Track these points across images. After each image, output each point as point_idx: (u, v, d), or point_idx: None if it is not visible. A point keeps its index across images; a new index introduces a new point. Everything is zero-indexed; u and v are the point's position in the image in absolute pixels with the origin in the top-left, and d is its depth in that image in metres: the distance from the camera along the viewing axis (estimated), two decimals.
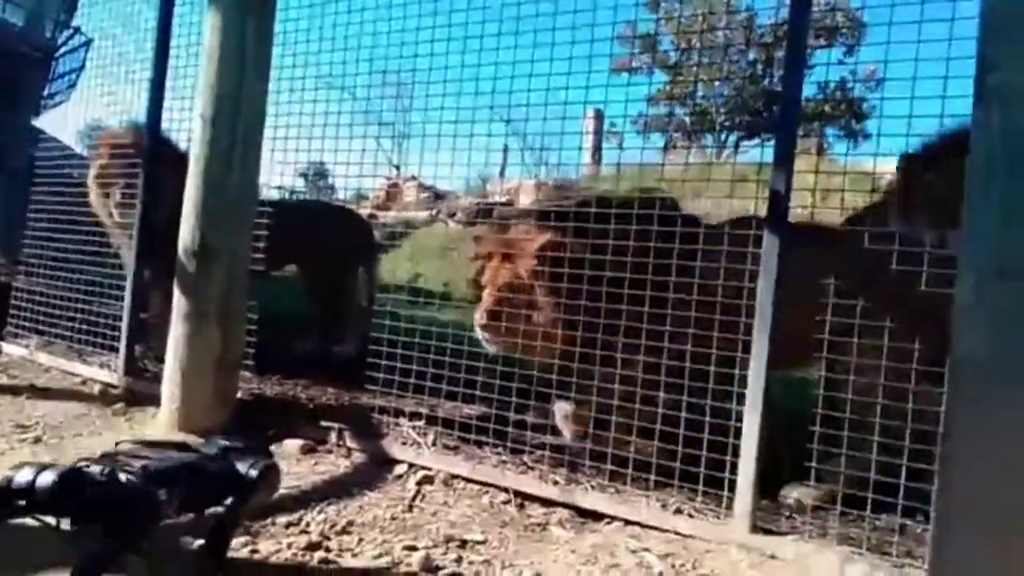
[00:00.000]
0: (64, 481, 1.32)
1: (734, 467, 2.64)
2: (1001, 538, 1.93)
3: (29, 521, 1.32)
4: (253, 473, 1.51)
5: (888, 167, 3.43)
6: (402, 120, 5.62)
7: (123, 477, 1.32)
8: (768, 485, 2.74)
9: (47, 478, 1.33)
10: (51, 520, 1.37)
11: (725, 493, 2.66)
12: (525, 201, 12.14)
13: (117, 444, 1.50)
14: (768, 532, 2.61)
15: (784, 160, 2.63)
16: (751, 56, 11.70)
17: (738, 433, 2.64)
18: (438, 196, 13.01)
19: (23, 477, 1.35)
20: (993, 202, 1.86)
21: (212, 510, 1.49)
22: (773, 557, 2.50)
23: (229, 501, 1.49)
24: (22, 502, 1.33)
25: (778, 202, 2.63)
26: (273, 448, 3.26)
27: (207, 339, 3.38)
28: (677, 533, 2.65)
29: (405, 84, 4.05)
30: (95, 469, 1.35)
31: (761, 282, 2.62)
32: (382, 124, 5.27)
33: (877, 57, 2.67)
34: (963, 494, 2.00)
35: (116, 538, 1.29)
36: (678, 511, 2.74)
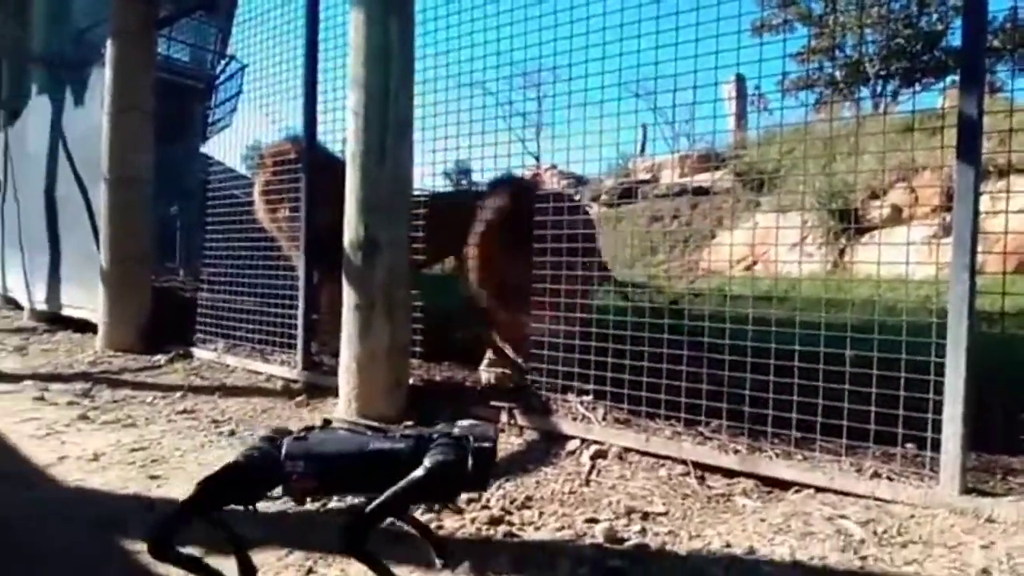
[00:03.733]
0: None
1: (936, 424, 2.42)
2: None
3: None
4: (425, 463, 1.40)
5: None
6: (538, 109, 5.63)
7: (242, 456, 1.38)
8: (978, 440, 2.50)
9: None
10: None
11: (928, 453, 2.45)
12: (670, 176, 11.87)
13: (325, 421, 1.54)
14: (982, 493, 2.38)
15: (973, 94, 2.39)
16: None
17: (939, 386, 2.42)
18: (580, 181, 12.95)
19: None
20: None
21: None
22: (991, 520, 2.26)
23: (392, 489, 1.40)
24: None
25: (970, 140, 2.40)
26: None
27: (376, 329, 3.49)
28: (876, 499, 2.46)
29: (537, 72, 4.04)
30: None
31: (958, 214, 2.39)
32: (519, 115, 5.27)
33: None
34: None
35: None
36: (875, 475, 2.54)
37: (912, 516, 2.35)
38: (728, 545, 2.22)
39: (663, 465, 2.89)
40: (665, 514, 2.48)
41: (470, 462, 1.35)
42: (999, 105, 3.42)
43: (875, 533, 2.26)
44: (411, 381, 3.74)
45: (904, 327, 2.53)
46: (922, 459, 2.50)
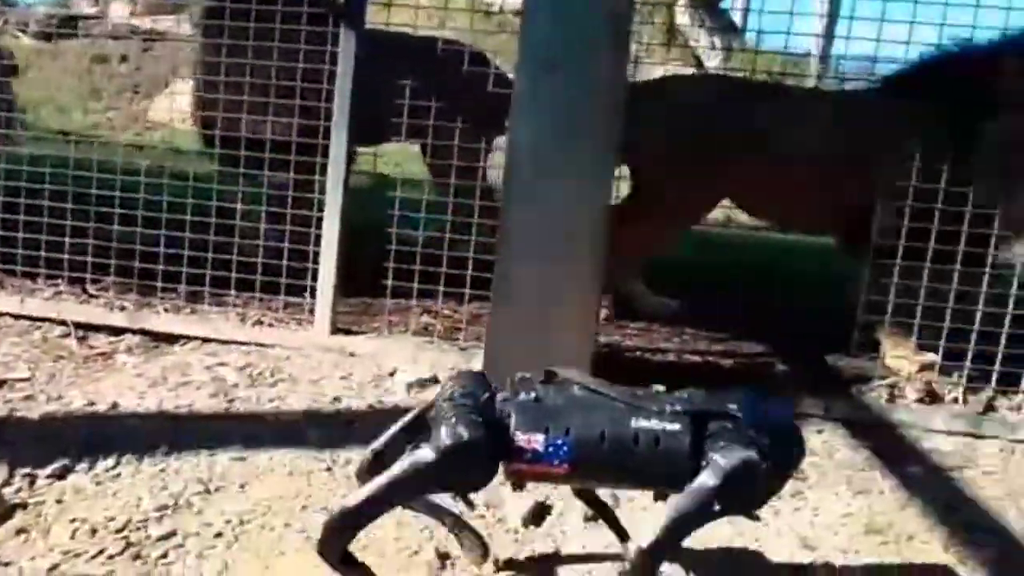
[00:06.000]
0: None
1: (316, 274, 2.63)
2: (539, 309, 2.17)
3: None
4: (719, 462, 1.13)
5: None
6: None
7: None
8: (352, 288, 2.78)
9: None
10: None
11: (307, 300, 2.66)
12: (120, 13, 10.53)
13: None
14: (350, 333, 2.67)
15: None
16: None
17: (319, 240, 2.61)
18: (4, 3, 10.69)
19: None
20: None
21: None
22: (353, 354, 2.57)
23: None
24: None
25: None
26: None
27: None
28: (259, 344, 2.60)
29: None
30: None
31: (339, 78, 2.53)
32: None
33: None
34: (513, 270, 2.20)
35: None
36: (259, 323, 2.67)
37: (288, 358, 2.53)
38: (91, 403, 2.12)
39: (39, 328, 2.62)
40: (28, 379, 2.26)
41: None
42: None
43: (250, 376, 2.38)
44: None
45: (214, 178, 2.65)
46: (303, 306, 2.70)
